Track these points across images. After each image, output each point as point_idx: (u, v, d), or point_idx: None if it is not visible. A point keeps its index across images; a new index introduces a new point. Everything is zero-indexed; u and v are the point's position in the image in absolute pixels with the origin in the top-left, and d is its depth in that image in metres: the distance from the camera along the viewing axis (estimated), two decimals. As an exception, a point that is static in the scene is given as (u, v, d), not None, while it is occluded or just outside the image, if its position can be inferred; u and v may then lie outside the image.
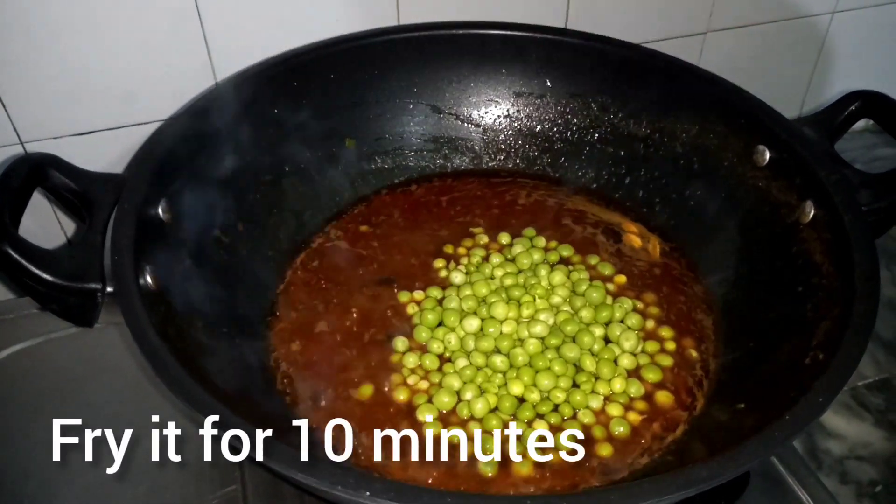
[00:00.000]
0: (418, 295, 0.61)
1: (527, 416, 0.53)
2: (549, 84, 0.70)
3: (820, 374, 0.43)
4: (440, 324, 0.59)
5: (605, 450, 0.51)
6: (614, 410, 0.53)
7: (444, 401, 0.53)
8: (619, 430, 0.52)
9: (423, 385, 0.55)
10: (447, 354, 0.57)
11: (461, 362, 0.56)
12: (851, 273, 0.48)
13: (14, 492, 0.54)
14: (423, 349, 0.58)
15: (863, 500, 0.59)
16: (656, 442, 0.52)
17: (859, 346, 0.44)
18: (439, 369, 0.56)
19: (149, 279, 0.48)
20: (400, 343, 0.57)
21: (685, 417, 0.53)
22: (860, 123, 0.62)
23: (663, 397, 0.55)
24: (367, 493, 0.36)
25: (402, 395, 0.54)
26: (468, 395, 0.53)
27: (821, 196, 0.53)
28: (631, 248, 0.66)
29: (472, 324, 0.57)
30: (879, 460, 0.61)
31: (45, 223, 0.67)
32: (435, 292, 0.61)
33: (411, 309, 0.60)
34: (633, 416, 0.53)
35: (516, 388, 0.54)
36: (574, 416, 0.53)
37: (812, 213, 0.54)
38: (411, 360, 0.56)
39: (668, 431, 0.52)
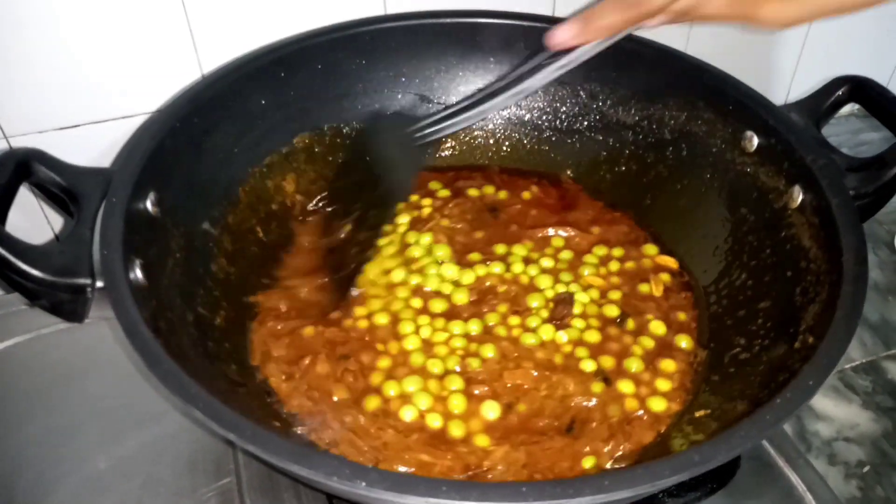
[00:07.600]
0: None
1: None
2: (537, 72, 0.70)
3: (809, 357, 0.43)
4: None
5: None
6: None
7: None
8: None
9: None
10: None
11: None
12: (839, 257, 0.48)
13: (7, 487, 0.54)
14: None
15: (851, 480, 0.60)
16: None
17: (848, 328, 0.44)
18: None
19: (138, 273, 0.48)
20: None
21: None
22: (846, 108, 0.62)
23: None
24: (363, 484, 0.36)
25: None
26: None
27: (808, 181, 0.54)
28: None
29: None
30: (867, 441, 0.62)
31: (31, 219, 0.67)
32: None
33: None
34: (631, 403, 0.54)
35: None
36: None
37: (800, 197, 0.54)
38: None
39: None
